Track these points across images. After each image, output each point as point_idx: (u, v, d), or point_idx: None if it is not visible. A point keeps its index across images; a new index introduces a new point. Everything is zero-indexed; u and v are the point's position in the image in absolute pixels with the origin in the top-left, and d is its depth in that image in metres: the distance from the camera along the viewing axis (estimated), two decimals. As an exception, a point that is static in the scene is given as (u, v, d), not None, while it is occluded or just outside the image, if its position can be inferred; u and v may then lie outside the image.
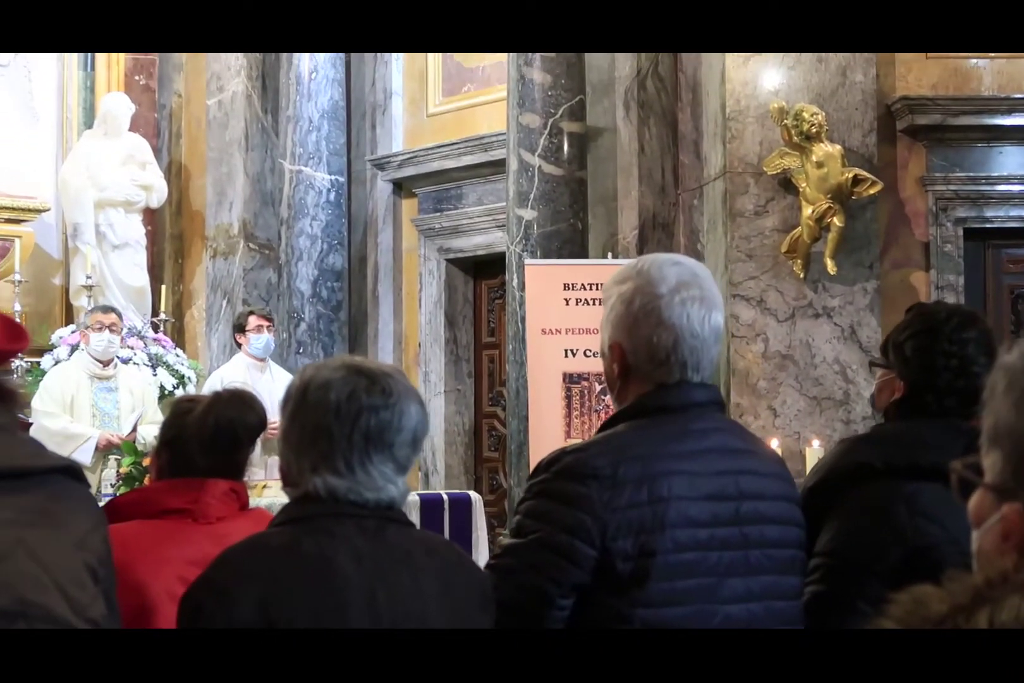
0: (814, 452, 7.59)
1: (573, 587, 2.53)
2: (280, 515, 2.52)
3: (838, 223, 7.81)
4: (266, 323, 8.89)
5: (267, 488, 6.81)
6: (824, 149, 7.76)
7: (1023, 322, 8.59)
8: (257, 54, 11.19)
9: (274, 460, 6.03)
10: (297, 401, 2.48)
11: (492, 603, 2.55)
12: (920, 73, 8.38)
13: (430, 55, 10.86)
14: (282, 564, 2.38)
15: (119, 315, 9.04)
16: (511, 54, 8.91)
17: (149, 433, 7.90)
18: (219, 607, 2.32)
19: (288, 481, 2.51)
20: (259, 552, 2.43)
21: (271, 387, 8.12)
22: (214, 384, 8.34)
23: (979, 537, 1.36)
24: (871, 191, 7.86)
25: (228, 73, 11.33)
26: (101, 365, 8.76)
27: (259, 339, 8.81)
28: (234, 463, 3.21)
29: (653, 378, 2.65)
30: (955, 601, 1.24)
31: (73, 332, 10.13)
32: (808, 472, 3.41)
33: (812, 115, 7.74)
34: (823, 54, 8.00)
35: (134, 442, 8.06)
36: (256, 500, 5.96)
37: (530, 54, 8.75)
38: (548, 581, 2.53)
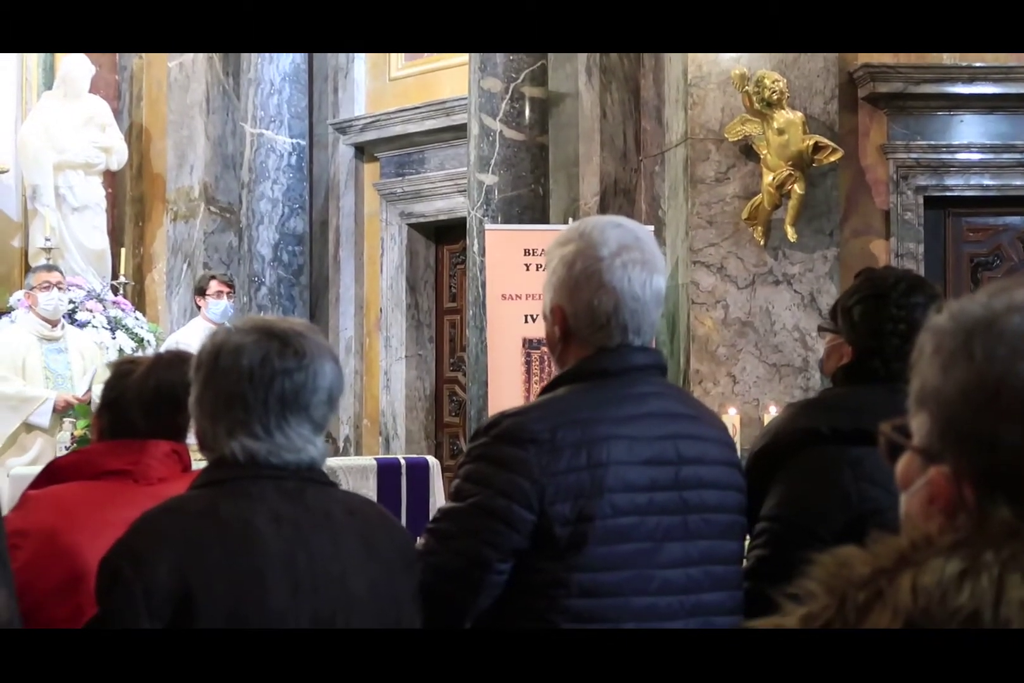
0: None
1: (511, 551, 2.52)
2: (199, 478, 2.50)
3: (799, 190, 7.80)
4: (227, 289, 8.95)
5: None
6: (785, 116, 7.74)
7: (983, 291, 8.60)
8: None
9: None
10: (209, 367, 2.45)
11: (416, 564, 2.54)
12: (883, 40, 8.36)
13: (393, 18, 10.77)
14: (200, 528, 2.36)
15: (62, 274, 9.02)
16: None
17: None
18: (136, 572, 2.30)
19: (204, 445, 2.50)
20: (176, 516, 2.40)
21: (228, 351, 8.08)
22: (170, 348, 8.34)
23: (906, 500, 1.36)
24: (832, 158, 7.85)
25: (189, 35, 11.22)
26: (49, 326, 8.70)
27: (218, 305, 8.86)
28: (175, 425, 3.18)
29: (594, 341, 2.64)
30: (879, 563, 1.24)
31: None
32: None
33: (773, 82, 7.72)
34: (786, 20, 7.97)
35: (89, 403, 8.02)
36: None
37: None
38: (486, 545, 2.52)
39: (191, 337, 8.61)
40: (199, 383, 2.47)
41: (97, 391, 8.17)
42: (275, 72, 10.61)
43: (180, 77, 11.35)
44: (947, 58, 8.32)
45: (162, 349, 8.65)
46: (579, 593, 2.50)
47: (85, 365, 8.69)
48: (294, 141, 10.68)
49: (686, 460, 2.62)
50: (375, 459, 7.50)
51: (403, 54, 10.77)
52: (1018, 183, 8.42)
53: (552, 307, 2.67)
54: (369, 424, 10.98)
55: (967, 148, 8.37)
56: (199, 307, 9.07)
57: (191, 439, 3.06)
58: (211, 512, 2.38)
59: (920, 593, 1.17)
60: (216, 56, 11.14)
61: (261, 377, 2.39)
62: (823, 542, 2.81)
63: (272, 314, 10.23)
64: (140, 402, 3.15)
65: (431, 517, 2.68)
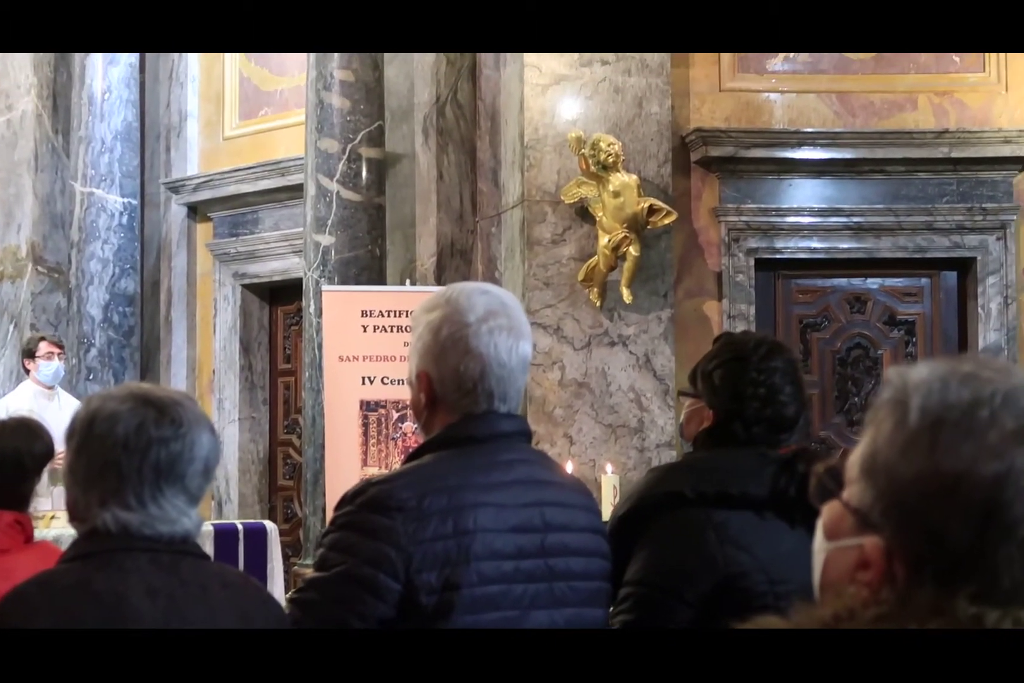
0: (609, 479, 7.65)
1: (378, 621, 2.49)
2: (70, 550, 2.43)
3: (634, 252, 7.89)
4: (57, 350, 8.80)
5: (55, 519, 6.64)
6: (620, 179, 7.84)
7: (811, 351, 8.78)
8: (48, 72, 10.95)
9: (60, 490, 5.88)
10: (83, 434, 2.39)
11: None
12: (714, 105, 8.53)
13: (227, 76, 10.73)
14: (72, 602, 2.29)
15: None
16: (309, 78, 8.86)
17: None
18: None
19: (75, 516, 2.43)
20: (47, 589, 2.33)
21: (59, 415, 7.97)
22: (13, 415, 8.16)
23: (830, 550, 1.36)
24: (666, 221, 7.96)
25: (18, 91, 11.05)
26: None
27: (49, 366, 8.70)
28: (19, 494, 3.10)
29: (460, 408, 2.62)
30: None
31: None
32: (617, 500, 3.42)
33: (609, 145, 7.81)
34: (620, 85, 8.09)
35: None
36: (44, 532, 5.79)
37: (328, 78, 8.70)
38: (352, 615, 2.48)
39: (20, 401, 8.44)
40: (72, 451, 2.41)
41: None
42: (106, 130, 10.48)
43: (7, 134, 11.14)
44: (777, 123, 8.52)
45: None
46: (447, 663, 2.47)
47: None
48: (125, 200, 10.54)
49: (552, 527, 2.62)
50: (212, 525, 7.38)
51: (237, 113, 10.71)
52: (845, 246, 8.62)
53: (418, 373, 2.66)
54: (201, 487, 10.79)
55: (796, 212, 8.55)
56: (27, 370, 8.90)
57: (45, 505, 2.98)
58: (83, 586, 2.31)
59: None
60: (45, 113, 10.97)
61: (136, 445, 2.34)
62: (689, 606, 2.82)
63: (103, 377, 10.07)
64: (-16, 470, 3.07)
65: (284, 583, 2.64)
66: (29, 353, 8.82)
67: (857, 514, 1.32)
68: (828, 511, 1.36)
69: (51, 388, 8.77)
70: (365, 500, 2.53)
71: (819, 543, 1.37)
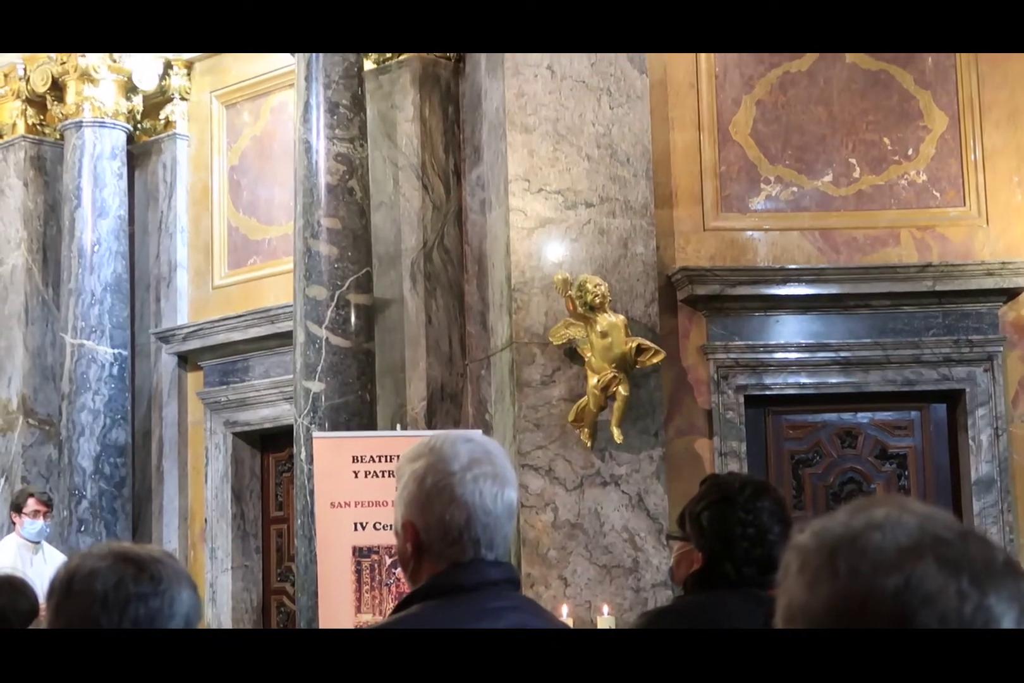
0: (605, 621, 7.58)
1: None
2: None
3: (623, 392, 7.91)
4: (44, 509, 8.89)
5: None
6: (608, 319, 7.89)
7: (804, 487, 8.76)
8: (38, 226, 11.06)
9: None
10: (62, 592, 2.38)
11: None
12: (698, 245, 8.62)
13: (216, 226, 10.84)
14: None
15: None
16: (296, 226, 8.94)
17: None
18: None
19: None
20: None
21: (43, 569, 7.98)
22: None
23: None
24: (655, 360, 7.99)
25: (8, 246, 11.15)
26: None
27: (34, 525, 8.78)
28: (7, 654, 3.05)
29: (446, 557, 2.61)
30: None
31: None
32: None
33: (595, 286, 7.88)
34: (605, 226, 8.19)
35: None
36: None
37: (316, 226, 8.78)
38: None
39: (4, 555, 8.43)
40: (51, 610, 2.39)
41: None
42: (96, 282, 10.55)
43: (-2, 288, 11.23)
44: (761, 261, 8.59)
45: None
46: None
47: None
48: (116, 351, 10.57)
49: (544, 675, 2.59)
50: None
51: (226, 262, 10.80)
52: (833, 381, 8.64)
53: (404, 523, 2.64)
54: (194, 638, 10.67)
55: (784, 348, 8.59)
56: (14, 523, 8.91)
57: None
58: None
59: None
60: (35, 266, 11.06)
61: (115, 602, 2.32)
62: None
63: (94, 528, 10.02)
64: (-30, 630, 3.03)
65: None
66: (17, 508, 8.87)
67: None
68: None
69: (36, 543, 8.79)
70: (353, 653, 2.50)
71: None
